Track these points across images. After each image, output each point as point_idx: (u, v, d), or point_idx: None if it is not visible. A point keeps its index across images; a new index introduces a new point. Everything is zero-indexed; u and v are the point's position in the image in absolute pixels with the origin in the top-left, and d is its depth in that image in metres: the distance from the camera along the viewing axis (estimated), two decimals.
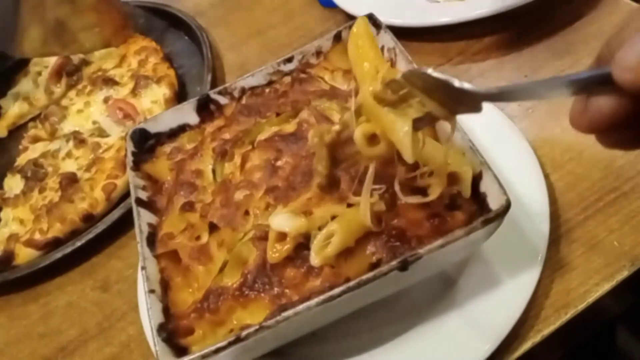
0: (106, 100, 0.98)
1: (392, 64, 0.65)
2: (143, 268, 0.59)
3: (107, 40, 1.07)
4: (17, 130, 1.10)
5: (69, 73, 1.08)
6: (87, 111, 0.99)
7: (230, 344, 0.49)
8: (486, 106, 0.65)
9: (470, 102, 0.40)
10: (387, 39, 0.67)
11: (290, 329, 0.52)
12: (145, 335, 0.68)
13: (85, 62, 1.10)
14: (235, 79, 0.75)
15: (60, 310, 0.81)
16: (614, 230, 0.62)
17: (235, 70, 1.01)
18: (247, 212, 0.60)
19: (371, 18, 0.67)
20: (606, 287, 0.59)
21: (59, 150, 0.95)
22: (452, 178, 0.54)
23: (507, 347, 0.58)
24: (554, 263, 0.62)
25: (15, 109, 1.09)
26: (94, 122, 0.97)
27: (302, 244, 0.54)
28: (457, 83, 0.40)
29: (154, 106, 0.94)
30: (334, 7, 0.97)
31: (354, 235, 0.52)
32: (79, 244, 0.83)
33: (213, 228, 0.61)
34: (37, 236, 0.85)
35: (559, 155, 0.70)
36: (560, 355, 0.67)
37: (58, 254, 0.83)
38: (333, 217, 0.54)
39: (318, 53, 0.74)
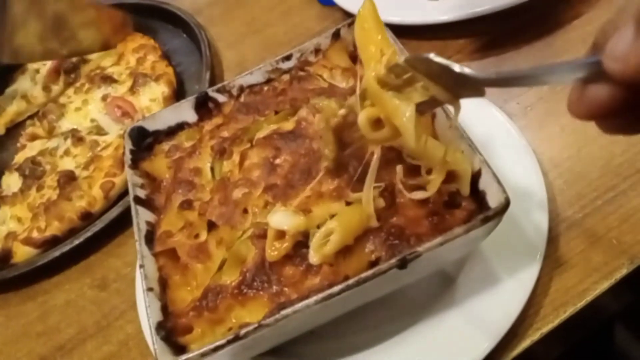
0: (104, 98, 0.98)
1: None
2: (141, 266, 0.59)
3: (106, 39, 1.06)
4: (15, 128, 1.09)
5: (67, 71, 1.08)
6: (85, 109, 0.99)
7: (229, 343, 0.49)
8: (485, 105, 0.65)
9: (472, 86, 0.41)
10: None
11: (289, 327, 0.52)
12: (144, 334, 0.67)
13: (84, 60, 1.10)
14: (233, 77, 0.75)
15: (58, 309, 0.81)
16: (612, 228, 0.62)
17: (233, 68, 1.01)
18: (245, 210, 0.60)
19: None
20: (605, 285, 0.59)
21: (57, 148, 0.95)
22: (451, 176, 0.54)
23: (506, 345, 0.58)
24: (552, 261, 0.62)
25: (13, 107, 1.09)
26: (92, 120, 0.97)
27: (301, 242, 0.54)
28: (457, 68, 0.41)
29: (153, 104, 0.94)
30: (333, 5, 0.97)
31: (353, 234, 0.52)
32: (77, 242, 0.83)
33: (212, 226, 0.60)
34: (35, 234, 0.85)
35: (558, 154, 0.70)
36: (559, 353, 0.67)
37: (56, 252, 0.83)
38: (332, 216, 0.54)
39: (317, 51, 0.74)
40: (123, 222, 0.83)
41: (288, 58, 0.74)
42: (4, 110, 1.10)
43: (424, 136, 0.49)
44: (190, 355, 0.50)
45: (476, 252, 0.61)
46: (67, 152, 0.94)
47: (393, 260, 0.49)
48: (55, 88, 1.08)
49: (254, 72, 0.74)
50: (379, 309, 0.61)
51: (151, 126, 0.73)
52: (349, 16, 0.90)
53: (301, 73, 0.73)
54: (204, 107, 0.74)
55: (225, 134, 0.69)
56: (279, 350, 0.59)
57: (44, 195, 0.89)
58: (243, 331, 0.49)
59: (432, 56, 0.42)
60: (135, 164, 0.70)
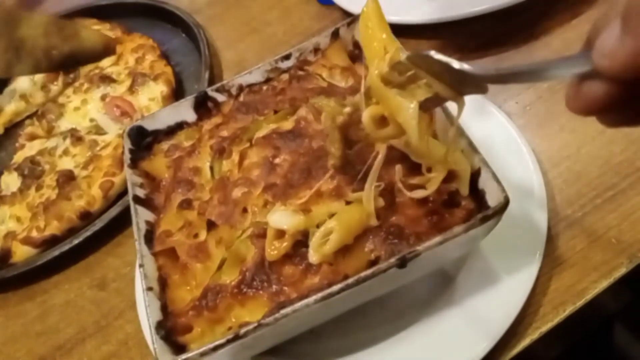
0: (103, 97, 0.98)
1: None
2: (141, 266, 0.59)
3: (107, 42, 1.07)
4: (13, 128, 1.09)
5: (66, 71, 1.08)
6: (84, 109, 0.99)
7: (228, 342, 0.49)
8: (484, 104, 0.65)
9: (474, 83, 0.41)
10: None
11: (289, 327, 0.52)
12: (143, 333, 0.67)
13: None
14: (232, 76, 0.75)
15: (57, 309, 0.81)
16: (612, 227, 0.62)
17: (232, 67, 1.01)
18: (245, 210, 0.60)
19: None
20: (604, 284, 0.59)
21: (56, 148, 0.95)
22: (451, 175, 0.54)
23: (505, 344, 0.58)
24: (552, 260, 0.62)
25: (11, 106, 1.09)
26: (91, 120, 0.97)
27: (301, 242, 0.54)
28: (456, 64, 0.41)
29: (152, 104, 0.94)
30: (331, 4, 0.97)
31: (353, 233, 0.52)
32: (76, 241, 0.83)
33: (211, 225, 0.60)
34: (34, 234, 0.85)
35: (557, 153, 0.70)
36: (558, 352, 0.67)
37: (55, 252, 0.83)
38: (331, 215, 0.54)
39: (316, 50, 0.74)
40: (122, 221, 0.83)
41: (287, 57, 0.74)
42: (2, 110, 1.10)
43: (426, 134, 0.49)
44: (190, 354, 0.50)
45: (476, 251, 0.61)
46: (66, 152, 0.93)
47: (392, 260, 0.49)
48: (54, 88, 1.08)
49: (253, 72, 0.74)
50: (379, 308, 0.61)
51: (150, 126, 0.73)
52: (348, 15, 0.91)
53: (300, 72, 0.73)
54: (203, 106, 0.74)
55: (224, 133, 0.69)
56: (278, 349, 0.59)
57: (43, 195, 0.89)
58: (243, 330, 0.49)
59: (433, 53, 0.42)
60: (134, 164, 0.70)
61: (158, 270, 0.60)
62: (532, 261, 0.59)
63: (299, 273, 0.53)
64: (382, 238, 0.53)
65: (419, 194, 0.53)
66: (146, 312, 0.56)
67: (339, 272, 0.52)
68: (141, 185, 0.68)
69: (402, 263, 0.49)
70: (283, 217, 0.54)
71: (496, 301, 0.58)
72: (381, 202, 0.53)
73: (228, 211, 0.61)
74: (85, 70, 1.08)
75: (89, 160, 0.90)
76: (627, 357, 0.91)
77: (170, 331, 0.55)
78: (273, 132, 0.65)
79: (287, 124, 0.66)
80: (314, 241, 0.52)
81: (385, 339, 0.60)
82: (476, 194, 0.54)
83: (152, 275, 0.59)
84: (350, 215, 0.53)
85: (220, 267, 0.58)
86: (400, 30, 0.70)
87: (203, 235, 0.61)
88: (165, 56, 1.03)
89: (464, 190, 0.54)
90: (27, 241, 0.84)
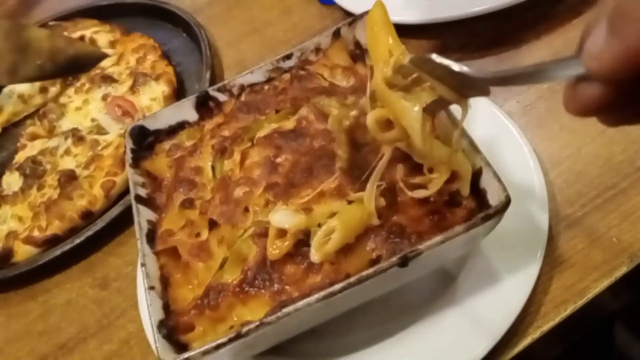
0: (105, 97, 0.98)
1: None
2: (143, 265, 0.59)
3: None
4: (13, 128, 1.09)
5: (70, 77, 1.08)
6: (85, 108, 0.99)
7: (230, 341, 0.49)
8: (485, 104, 0.65)
9: (476, 85, 0.41)
10: None
11: (291, 326, 0.52)
12: (145, 333, 0.68)
13: None
14: (233, 76, 0.75)
15: (59, 308, 0.81)
16: (612, 226, 0.63)
17: (233, 67, 1.01)
18: (246, 209, 0.60)
19: None
20: (605, 283, 0.59)
21: (57, 148, 0.95)
22: (452, 176, 0.54)
23: (506, 343, 0.58)
24: (553, 259, 0.62)
25: (9, 107, 1.09)
26: (93, 120, 0.97)
27: (302, 241, 0.54)
28: (456, 67, 0.41)
29: (153, 103, 0.94)
30: (332, 4, 0.97)
31: (354, 232, 0.52)
32: (77, 241, 0.83)
33: (213, 225, 0.61)
34: (36, 233, 0.85)
35: (558, 152, 0.70)
36: (559, 352, 0.67)
37: (57, 252, 0.83)
38: (333, 214, 0.54)
39: (317, 50, 0.74)
40: (124, 221, 0.83)
41: (288, 57, 0.74)
42: (0, 110, 1.10)
43: (432, 125, 0.49)
44: (191, 353, 0.50)
45: (477, 250, 0.61)
46: (67, 152, 0.94)
47: (394, 259, 0.49)
48: (53, 89, 1.08)
49: (254, 71, 0.74)
50: (380, 307, 0.61)
51: (152, 125, 0.73)
52: (349, 15, 0.91)
53: (301, 72, 0.73)
54: (205, 106, 0.74)
55: (226, 133, 0.69)
56: (280, 348, 0.59)
57: (44, 195, 0.89)
58: (244, 329, 0.49)
59: (434, 56, 0.43)
60: (136, 163, 0.70)
61: (160, 269, 0.60)
62: (533, 260, 0.59)
63: (300, 272, 0.53)
64: (384, 237, 0.53)
65: (420, 193, 0.53)
66: (148, 311, 0.56)
67: (340, 271, 0.52)
68: (143, 185, 0.68)
69: (403, 262, 0.49)
70: (284, 217, 0.54)
71: (497, 300, 0.58)
72: (382, 201, 0.53)
73: (230, 210, 0.61)
74: None
75: (91, 159, 0.90)
76: (628, 357, 0.91)
77: (172, 330, 0.55)
78: (274, 131, 0.65)
79: (289, 124, 0.66)
80: (315, 240, 0.52)
81: (386, 338, 0.60)
82: (477, 193, 0.54)
83: (154, 274, 0.59)
84: (351, 214, 0.53)
85: (222, 266, 0.58)
86: (401, 30, 0.70)
87: (205, 235, 0.61)
88: (166, 56, 1.03)
89: (465, 190, 0.54)
90: (28, 241, 0.84)
